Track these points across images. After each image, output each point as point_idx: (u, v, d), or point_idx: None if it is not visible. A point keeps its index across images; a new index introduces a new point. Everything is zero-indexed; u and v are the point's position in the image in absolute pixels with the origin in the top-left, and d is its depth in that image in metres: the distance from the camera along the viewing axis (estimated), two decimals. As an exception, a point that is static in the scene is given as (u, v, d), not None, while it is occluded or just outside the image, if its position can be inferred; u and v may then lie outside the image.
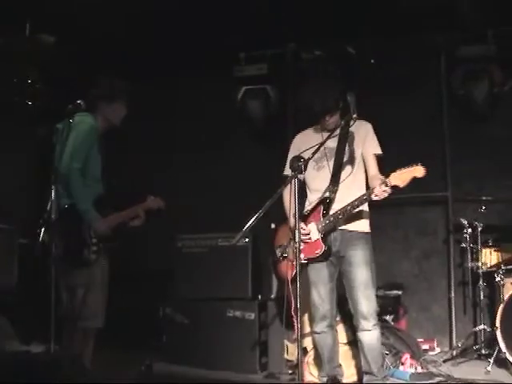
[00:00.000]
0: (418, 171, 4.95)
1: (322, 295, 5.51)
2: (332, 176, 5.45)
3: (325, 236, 5.41)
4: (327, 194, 5.45)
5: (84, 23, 7.32)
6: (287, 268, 5.41)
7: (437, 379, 6.23)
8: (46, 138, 6.02)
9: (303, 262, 5.44)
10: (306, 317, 6.40)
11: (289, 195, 5.05)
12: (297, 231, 4.61)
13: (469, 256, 7.29)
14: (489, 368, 6.37)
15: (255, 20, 7.57)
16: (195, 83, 8.46)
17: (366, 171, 5.53)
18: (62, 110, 5.30)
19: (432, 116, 7.92)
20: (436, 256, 7.98)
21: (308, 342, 6.29)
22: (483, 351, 6.88)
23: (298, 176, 4.86)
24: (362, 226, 5.51)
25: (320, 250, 5.41)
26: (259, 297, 7.11)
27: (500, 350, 6.39)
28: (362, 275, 5.43)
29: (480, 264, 7.10)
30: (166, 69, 8.35)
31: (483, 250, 7.13)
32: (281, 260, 5.65)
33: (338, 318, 6.11)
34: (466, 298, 7.82)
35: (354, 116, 5.17)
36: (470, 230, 7.21)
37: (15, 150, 7.85)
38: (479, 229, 7.12)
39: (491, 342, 6.81)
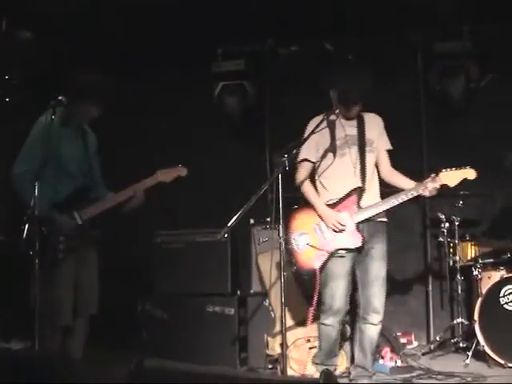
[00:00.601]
0: (470, 174, 5.20)
1: (340, 289, 5.45)
2: (360, 165, 5.44)
3: (357, 226, 5.40)
4: (358, 184, 5.42)
5: (61, 18, 7.25)
6: (312, 257, 5.41)
7: (416, 372, 6.28)
8: (24, 134, 5.96)
9: (336, 251, 5.41)
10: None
11: (303, 178, 5.34)
12: (281, 226, 4.63)
13: (446, 250, 7.35)
14: (467, 361, 6.44)
15: (233, 15, 7.55)
16: (172, 79, 8.44)
17: (378, 165, 5.58)
18: (41, 107, 5.33)
19: (409, 112, 7.95)
20: (413, 251, 8.02)
21: (288, 337, 6.30)
22: (461, 344, 6.95)
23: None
24: (384, 216, 5.54)
25: (359, 241, 5.38)
26: (238, 292, 7.12)
27: (478, 343, 6.46)
28: (380, 269, 5.46)
29: (457, 258, 7.17)
30: (143, 64, 8.31)
31: (460, 244, 7.19)
32: (303, 250, 5.52)
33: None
34: (443, 292, 7.88)
35: (337, 112, 5.19)
36: (447, 225, 7.27)
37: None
38: (456, 223, 7.17)
39: (469, 335, 6.90)
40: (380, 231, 5.50)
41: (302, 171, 5.59)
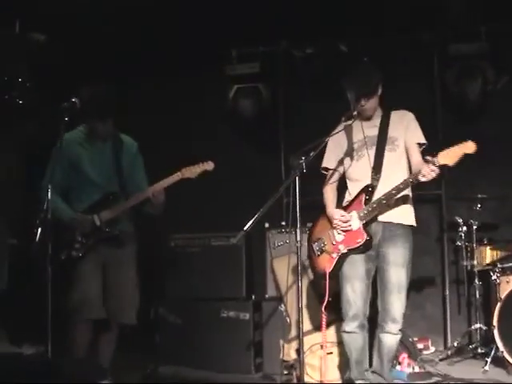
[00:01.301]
0: (469, 147, 4.88)
1: (356, 292, 5.29)
2: (374, 164, 5.29)
3: (366, 225, 5.24)
4: (369, 182, 5.29)
5: (75, 20, 7.21)
6: (325, 261, 5.32)
7: (434, 379, 6.20)
8: (34, 137, 5.95)
9: (343, 252, 5.30)
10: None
11: (326, 187, 5.29)
12: (298, 230, 4.55)
13: (464, 254, 7.25)
14: (486, 367, 6.35)
15: (246, 17, 7.50)
16: (185, 81, 8.36)
17: (408, 161, 5.36)
18: (53, 109, 5.30)
19: (425, 114, 7.80)
20: (429, 254, 7.91)
21: (304, 343, 6.21)
22: (479, 350, 6.85)
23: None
24: (406, 218, 5.35)
25: (362, 239, 5.22)
26: (253, 297, 7.05)
27: (497, 349, 6.35)
28: (399, 276, 5.26)
29: (475, 262, 7.07)
30: (158, 67, 8.27)
31: (478, 248, 7.09)
32: (318, 254, 5.45)
33: (331, 319, 6.07)
34: (460, 297, 7.78)
35: (355, 113, 5.09)
36: (464, 228, 7.16)
37: (4, 149, 7.74)
38: (474, 227, 7.07)
39: (487, 341, 6.81)
40: (396, 235, 5.29)
41: (326, 179, 5.55)
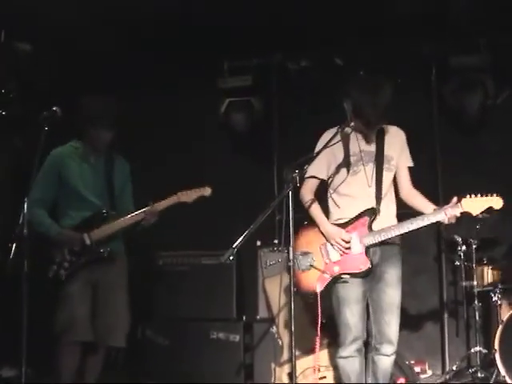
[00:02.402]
0: (496, 202, 4.80)
1: (355, 315, 5.05)
2: (376, 184, 5.08)
3: (366, 249, 5.03)
4: (373, 204, 5.07)
5: (62, 31, 6.98)
6: (315, 279, 5.05)
7: (434, 405, 5.96)
8: (21, 150, 5.79)
9: (339, 275, 5.06)
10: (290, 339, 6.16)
11: (310, 196, 5.06)
12: (291, 248, 4.28)
13: (463, 275, 6.99)
14: (488, 392, 6.10)
15: (240, 29, 7.28)
16: (176, 94, 8.15)
17: (398, 183, 5.24)
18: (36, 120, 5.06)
19: (422, 128, 7.63)
20: (426, 274, 7.67)
21: (297, 366, 5.97)
22: (479, 374, 6.57)
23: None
24: (397, 238, 5.15)
25: (364, 265, 5.00)
26: (244, 317, 6.83)
27: (498, 374, 6.11)
28: (395, 296, 5.09)
29: (475, 283, 6.81)
30: (148, 79, 8.06)
31: (478, 268, 6.84)
32: (303, 269, 5.14)
33: (324, 341, 5.84)
34: (458, 319, 7.51)
35: (352, 124, 4.85)
36: (464, 248, 6.91)
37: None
38: (474, 246, 6.81)
39: (487, 364, 6.54)
40: (393, 255, 5.13)
41: (307, 188, 5.22)
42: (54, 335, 5.43)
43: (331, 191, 5.23)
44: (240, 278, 6.91)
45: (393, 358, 5.13)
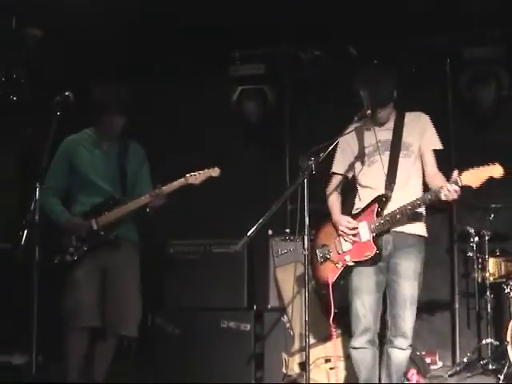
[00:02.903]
0: (496, 170, 4.59)
1: (366, 305, 4.97)
2: (388, 172, 5.00)
3: (376, 237, 4.94)
4: (384, 192, 4.99)
5: (73, 17, 6.92)
6: (329, 271, 5.01)
7: (445, 397, 5.92)
8: (31, 136, 5.75)
9: (349, 264, 5.00)
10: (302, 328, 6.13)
11: (330, 191, 5.03)
12: (305, 237, 4.24)
13: (475, 266, 6.95)
14: (499, 384, 6.07)
15: (252, 16, 7.21)
16: (188, 81, 8.11)
17: (423, 167, 5.09)
18: (47, 106, 5.05)
19: (437, 120, 7.55)
20: (438, 266, 7.61)
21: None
22: (490, 366, 6.56)
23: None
24: (418, 228, 5.04)
25: (371, 252, 4.92)
26: (254, 307, 6.79)
27: (510, 365, 6.07)
28: (410, 289, 4.97)
29: (487, 274, 6.77)
30: (157, 68, 8.03)
31: (490, 260, 6.80)
32: (321, 261, 5.12)
33: (338, 331, 5.79)
34: (469, 310, 7.48)
35: (369, 112, 4.78)
36: (476, 239, 6.88)
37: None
38: (487, 237, 6.79)
39: (498, 356, 6.52)
40: (410, 245, 5.00)
41: (331, 184, 5.24)
42: (62, 321, 5.38)
43: (357, 184, 5.20)
44: (251, 267, 6.84)
45: (408, 352, 5.06)
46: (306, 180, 4.36)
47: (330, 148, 4.70)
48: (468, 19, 7.17)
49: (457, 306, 7.52)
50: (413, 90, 7.34)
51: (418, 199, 4.82)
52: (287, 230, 6.82)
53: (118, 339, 5.66)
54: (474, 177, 4.60)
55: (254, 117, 7.92)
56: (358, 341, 5.04)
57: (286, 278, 6.51)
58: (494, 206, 6.74)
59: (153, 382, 6.57)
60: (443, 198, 4.65)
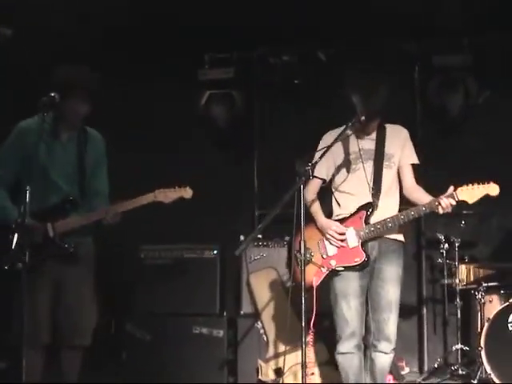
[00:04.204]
0: (492, 189, 4.73)
1: (352, 309, 5.00)
2: (374, 180, 5.05)
3: (363, 243, 4.98)
4: (370, 199, 5.02)
5: (44, 17, 6.79)
6: (312, 274, 4.97)
7: (421, 402, 5.94)
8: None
9: (338, 269, 5.01)
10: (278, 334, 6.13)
11: (311, 195, 5.03)
12: (302, 242, 4.22)
13: (445, 273, 7.00)
14: (472, 390, 6.10)
15: (221, 20, 7.16)
16: (155, 85, 7.98)
17: (400, 181, 5.17)
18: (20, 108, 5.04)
19: (405, 126, 7.60)
20: (405, 271, 7.61)
21: (282, 362, 5.93)
22: (460, 372, 6.60)
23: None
24: (399, 234, 5.14)
25: (360, 258, 4.96)
26: (224, 313, 6.79)
27: (482, 371, 6.10)
28: (394, 294, 5.05)
29: (457, 281, 6.82)
30: (125, 69, 7.85)
31: (461, 267, 6.86)
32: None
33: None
34: (436, 316, 7.54)
35: (363, 118, 4.79)
36: (446, 245, 6.93)
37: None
38: (457, 244, 6.84)
39: (466, 362, 6.60)
40: (392, 251, 5.10)
41: (309, 188, 5.16)
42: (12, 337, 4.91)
43: (333, 190, 5.23)
44: (223, 273, 6.80)
45: (391, 355, 5.09)
46: (302, 186, 4.32)
47: (326, 152, 4.69)
48: (438, 27, 7.25)
49: (424, 311, 7.55)
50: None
51: (412, 210, 4.91)
52: (260, 236, 6.75)
53: (80, 350, 5.27)
54: (471, 193, 4.76)
55: (222, 121, 7.87)
56: (345, 346, 5.04)
57: (259, 283, 6.51)
58: (465, 212, 6.78)
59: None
60: (440, 211, 4.79)
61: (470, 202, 4.76)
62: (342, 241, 5.01)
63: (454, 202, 4.75)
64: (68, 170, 5.16)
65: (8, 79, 6.93)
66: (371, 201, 5.03)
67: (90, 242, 5.33)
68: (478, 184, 4.79)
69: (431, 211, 4.85)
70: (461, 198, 4.75)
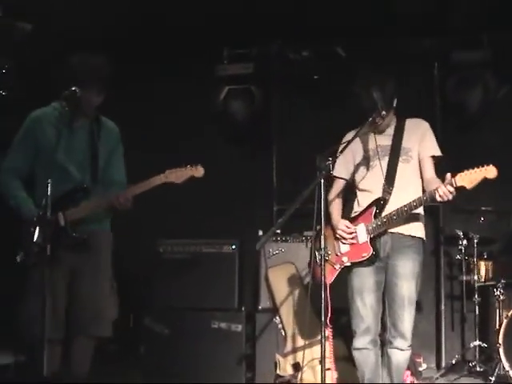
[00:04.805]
0: (490, 172, 4.62)
1: (367, 305, 5.01)
2: (386, 176, 5.03)
3: (374, 238, 4.98)
4: (381, 195, 5.02)
5: (63, 11, 6.81)
6: (327, 272, 4.90)
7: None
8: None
9: (347, 265, 5.03)
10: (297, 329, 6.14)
11: (332, 195, 4.94)
12: (322, 237, 4.23)
13: (464, 269, 6.99)
14: (491, 386, 6.10)
15: (240, 15, 7.18)
16: (174, 80, 8.03)
17: (421, 173, 5.12)
18: (36, 101, 5.03)
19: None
20: (424, 268, 7.63)
21: (301, 357, 5.93)
22: (477, 368, 6.59)
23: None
24: (417, 230, 5.09)
25: (367, 253, 4.96)
26: (243, 308, 6.77)
27: (500, 368, 6.11)
28: (408, 290, 5.01)
29: (476, 277, 6.81)
30: (145, 66, 7.92)
31: (479, 263, 6.84)
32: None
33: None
34: (453, 313, 7.53)
35: (383, 113, 4.79)
36: (465, 242, 6.92)
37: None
38: (475, 240, 6.83)
39: (488, 358, 6.57)
40: (407, 246, 5.05)
41: (334, 188, 5.26)
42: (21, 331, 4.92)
43: (355, 189, 5.24)
44: (242, 268, 6.80)
45: (408, 352, 5.07)
46: (322, 180, 4.32)
47: (346, 148, 4.70)
48: (456, 23, 7.23)
49: (443, 308, 7.54)
50: (401, 91, 7.39)
51: (414, 201, 4.86)
52: (279, 231, 6.75)
53: (95, 341, 5.16)
54: (469, 178, 4.65)
55: (240, 116, 7.89)
56: (360, 341, 5.06)
57: (277, 278, 6.52)
58: (483, 208, 6.78)
59: (139, 381, 6.48)
60: (438, 199, 4.71)
61: (469, 187, 4.63)
62: (352, 238, 5.03)
63: (451, 189, 4.65)
64: (79, 157, 5.06)
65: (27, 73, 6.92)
66: (382, 196, 5.03)
67: (107, 232, 5.26)
68: (474, 168, 4.68)
69: (432, 200, 4.79)
70: (459, 184, 4.65)
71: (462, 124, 7.64)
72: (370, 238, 4.99)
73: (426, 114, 7.38)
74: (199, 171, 5.11)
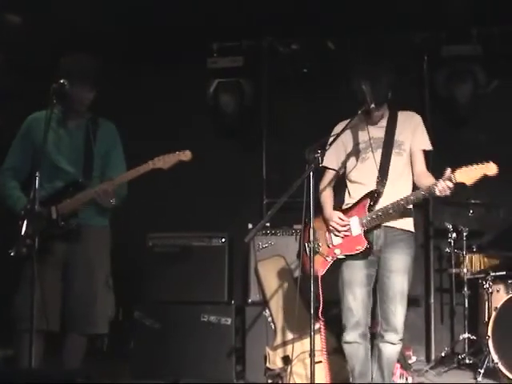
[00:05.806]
0: (490, 169, 4.61)
1: (357, 298, 4.99)
2: (380, 168, 5.01)
3: (367, 232, 4.96)
4: (375, 187, 5.01)
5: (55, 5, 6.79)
6: (318, 264, 4.94)
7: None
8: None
9: (340, 257, 5.00)
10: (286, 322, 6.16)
11: (323, 187, 4.90)
12: (311, 230, 4.23)
13: (453, 262, 7.01)
14: (479, 379, 6.12)
15: (230, 8, 7.15)
16: (164, 74, 8.01)
17: (412, 167, 5.11)
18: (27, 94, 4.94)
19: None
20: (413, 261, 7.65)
21: (290, 350, 5.93)
22: (467, 361, 6.62)
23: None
24: (408, 224, 5.08)
25: (362, 246, 4.93)
26: (232, 301, 6.79)
27: (489, 360, 6.14)
28: (400, 283, 5.00)
29: (465, 270, 6.83)
30: (135, 59, 7.88)
31: (468, 256, 6.87)
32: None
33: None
34: (443, 306, 7.56)
35: (372, 106, 4.79)
36: (454, 235, 6.94)
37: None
38: (465, 233, 6.86)
39: (477, 351, 6.59)
40: (400, 240, 5.04)
41: (324, 179, 5.23)
42: (13, 322, 4.92)
43: (346, 180, 5.22)
44: (231, 261, 6.80)
45: (399, 346, 5.07)
46: (311, 173, 4.31)
47: (335, 140, 4.69)
48: (446, 17, 7.23)
49: (432, 301, 7.57)
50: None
51: (411, 195, 4.86)
52: (268, 224, 6.75)
53: (88, 337, 5.21)
54: (468, 174, 4.64)
55: (230, 109, 7.87)
56: (350, 335, 5.04)
57: (267, 271, 6.52)
58: (473, 201, 6.79)
59: (129, 376, 6.47)
60: (437, 194, 4.69)
61: (468, 183, 4.64)
62: (345, 231, 5.01)
63: (451, 185, 4.64)
64: (75, 156, 5.14)
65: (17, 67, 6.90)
66: (376, 188, 5.02)
67: (104, 228, 5.31)
68: (475, 165, 4.67)
69: (430, 195, 4.80)
70: (458, 180, 4.64)
71: (452, 118, 7.66)
72: (364, 231, 4.98)
73: (415, 108, 7.50)
74: (187, 155, 5.14)
